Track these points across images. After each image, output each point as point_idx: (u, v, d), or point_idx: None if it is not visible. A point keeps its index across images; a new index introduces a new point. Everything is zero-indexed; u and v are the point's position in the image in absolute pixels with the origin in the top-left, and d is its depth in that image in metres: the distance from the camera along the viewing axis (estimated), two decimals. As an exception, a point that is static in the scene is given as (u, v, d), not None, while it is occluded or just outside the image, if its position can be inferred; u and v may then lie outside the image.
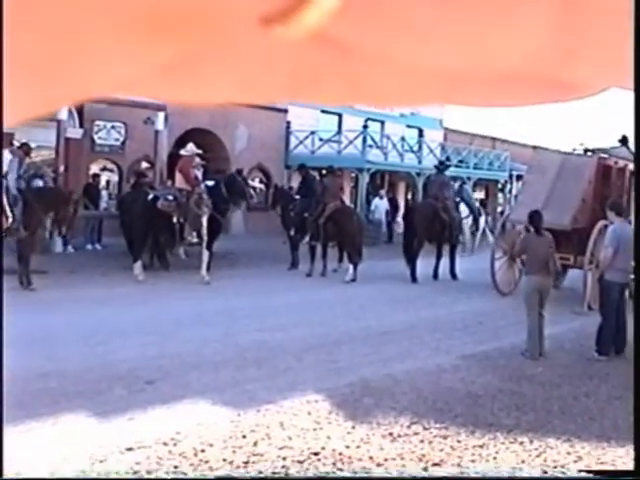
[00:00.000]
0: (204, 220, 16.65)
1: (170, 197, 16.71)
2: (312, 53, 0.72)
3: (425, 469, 6.26)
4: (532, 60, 0.76)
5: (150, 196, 16.90)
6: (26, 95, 0.71)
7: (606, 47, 0.75)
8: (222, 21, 0.68)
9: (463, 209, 26.63)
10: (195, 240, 16.77)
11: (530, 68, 0.77)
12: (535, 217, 11.80)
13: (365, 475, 6.25)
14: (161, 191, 17.80)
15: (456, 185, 27.00)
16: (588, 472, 6.43)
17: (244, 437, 6.68)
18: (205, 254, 16.55)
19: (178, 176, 17.24)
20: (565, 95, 0.87)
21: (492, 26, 0.72)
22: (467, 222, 26.25)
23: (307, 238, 19.00)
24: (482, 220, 27.38)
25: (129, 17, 0.70)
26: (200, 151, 18.23)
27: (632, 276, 11.99)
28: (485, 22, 0.73)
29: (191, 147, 17.69)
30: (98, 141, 24.02)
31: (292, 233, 19.89)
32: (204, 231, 16.63)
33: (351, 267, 17.74)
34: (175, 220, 16.52)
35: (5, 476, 4.93)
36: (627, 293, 11.79)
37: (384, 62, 0.75)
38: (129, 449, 6.18)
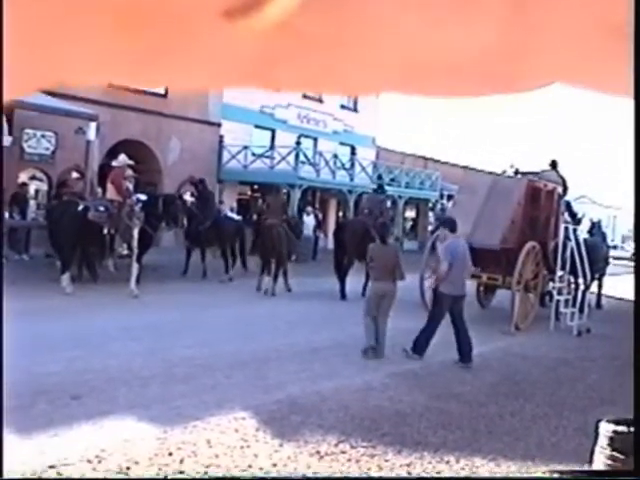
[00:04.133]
0: (135, 232, 16.48)
1: (101, 208, 16.49)
2: (274, 42, 0.73)
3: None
4: (484, 54, 0.77)
5: (80, 207, 16.62)
6: (15, 77, 0.70)
7: (554, 44, 0.77)
8: (189, 14, 0.69)
9: None
10: (126, 252, 16.59)
11: (482, 61, 0.79)
12: (382, 228, 12.84)
13: (365, 475, 6.23)
14: (91, 202, 17.53)
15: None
16: (588, 472, 6.50)
17: (170, 454, 6.60)
18: (134, 267, 16.35)
19: (110, 187, 17.00)
20: (513, 87, 0.89)
21: (448, 21, 0.74)
22: None
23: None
24: None
25: (102, 12, 0.70)
26: (132, 162, 18.06)
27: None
28: (441, 17, 0.74)
29: (123, 158, 17.50)
30: (28, 150, 23.63)
31: (185, 242, 20.97)
32: (134, 243, 16.46)
33: (271, 280, 18.13)
34: (106, 231, 16.30)
35: (5, 476, 4.81)
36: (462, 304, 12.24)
37: (343, 52, 0.76)
38: (52, 467, 6.05)
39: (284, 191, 31.53)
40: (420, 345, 11.74)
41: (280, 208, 19.48)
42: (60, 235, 16.54)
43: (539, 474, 6.76)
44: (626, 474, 5.10)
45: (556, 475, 6.53)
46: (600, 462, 5.24)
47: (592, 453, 5.49)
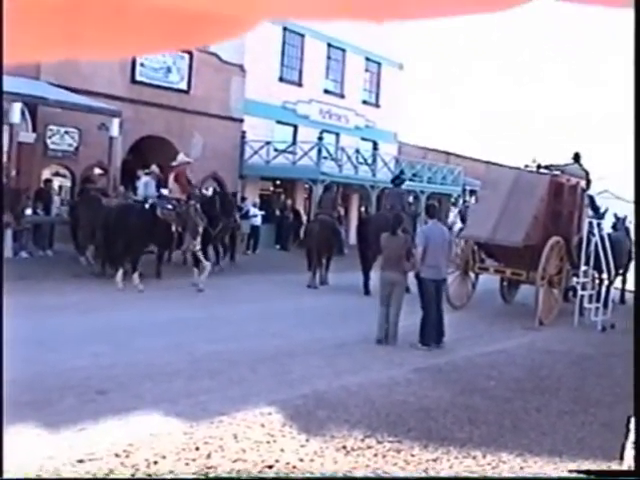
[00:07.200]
0: (201, 229, 17.12)
1: (169, 206, 16.81)
2: None
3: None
4: None
5: (147, 205, 16.76)
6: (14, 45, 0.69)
7: None
8: None
9: None
10: (198, 248, 17.03)
11: None
12: (394, 219, 12.83)
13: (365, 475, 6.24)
14: (159, 201, 17.44)
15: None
16: (588, 472, 6.47)
17: (197, 449, 6.62)
18: (203, 264, 17.04)
19: (174, 186, 17.26)
20: (492, 5, 0.78)
21: None
22: None
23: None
24: None
25: None
26: (191, 160, 18.37)
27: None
28: None
29: (182, 157, 17.80)
30: (51, 146, 23.65)
31: None
32: (199, 240, 17.01)
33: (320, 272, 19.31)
34: (173, 229, 16.51)
35: (5, 476, 4.84)
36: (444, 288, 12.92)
37: None
38: (80, 461, 6.08)
39: (305, 186, 31.51)
40: (427, 335, 11.97)
41: (331, 204, 20.15)
42: (120, 233, 16.21)
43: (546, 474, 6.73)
44: (626, 474, 5.08)
45: (555, 476, 6.51)
46: (631, 457, 5.22)
47: (623, 449, 5.47)
